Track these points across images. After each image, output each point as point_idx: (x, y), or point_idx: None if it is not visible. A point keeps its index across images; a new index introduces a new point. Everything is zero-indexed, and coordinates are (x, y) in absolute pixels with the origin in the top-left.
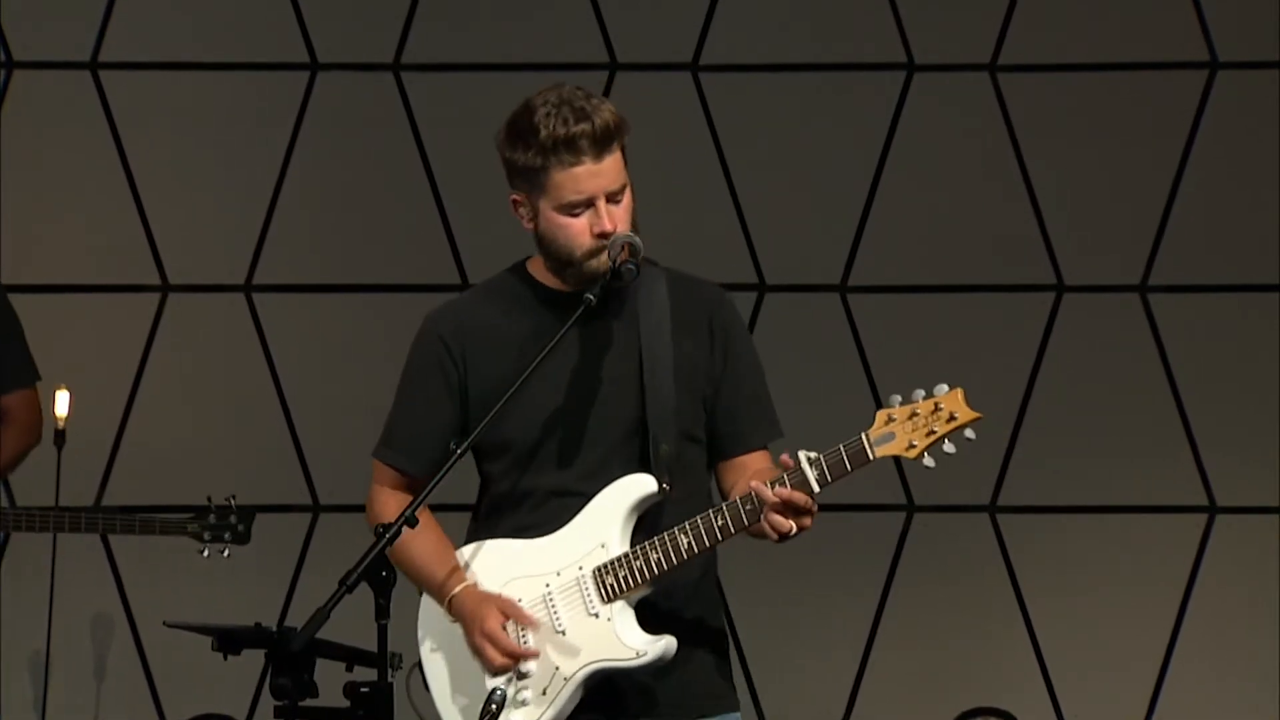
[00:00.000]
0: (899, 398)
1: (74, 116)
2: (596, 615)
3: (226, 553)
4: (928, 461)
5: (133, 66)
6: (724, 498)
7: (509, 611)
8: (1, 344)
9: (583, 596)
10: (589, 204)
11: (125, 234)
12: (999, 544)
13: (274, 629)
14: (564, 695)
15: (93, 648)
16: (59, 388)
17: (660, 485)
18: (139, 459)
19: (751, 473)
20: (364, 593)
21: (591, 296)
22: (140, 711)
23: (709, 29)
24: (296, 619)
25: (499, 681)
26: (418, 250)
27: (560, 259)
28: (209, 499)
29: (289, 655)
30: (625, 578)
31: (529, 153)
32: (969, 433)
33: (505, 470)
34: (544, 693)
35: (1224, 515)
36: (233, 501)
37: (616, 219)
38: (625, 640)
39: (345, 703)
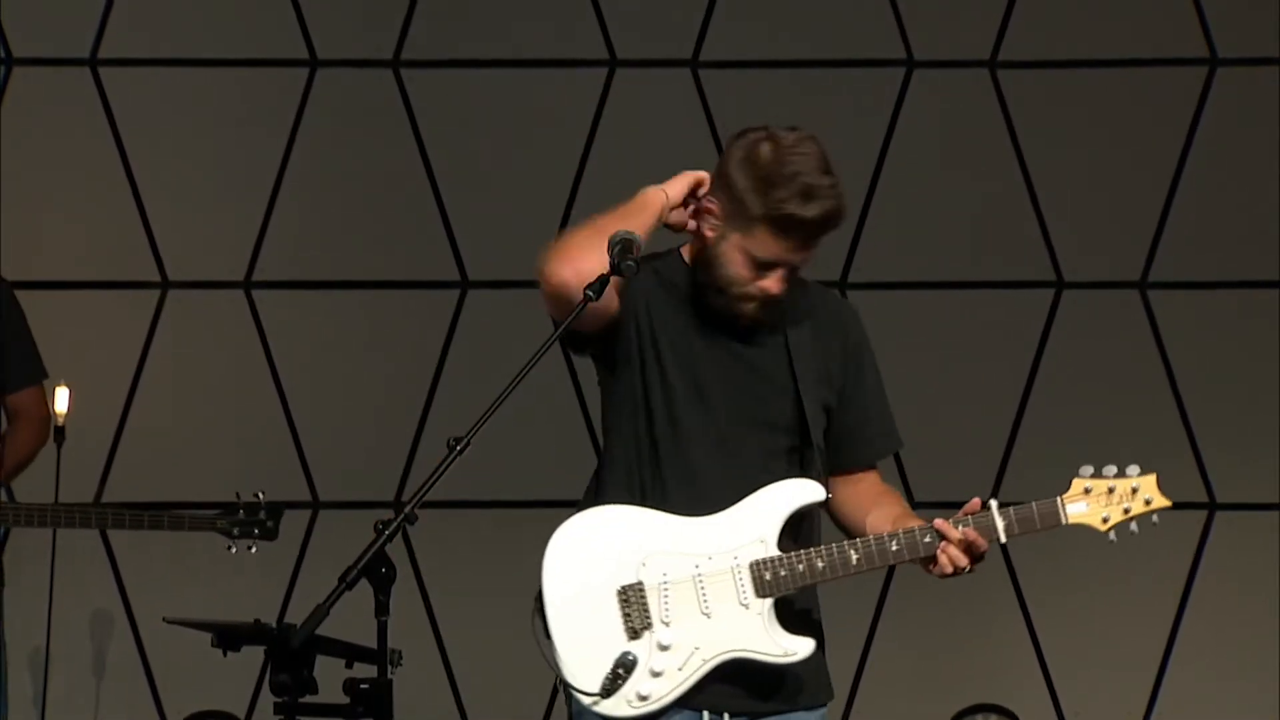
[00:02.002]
0: (1090, 469)
1: (73, 113)
2: (747, 607)
3: (254, 548)
4: (1112, 537)
5: (132, 63)
6: (835, 509)
7: None
8: (10, 341)
9: (735, 586)
10: (770, 265)
11: (125, 230)
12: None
13: (274, 625)
14: (699, 674)
15: (92, 644)
16: (59, 384)
17: (828, 495)
18: (138, 456)
19: (884, 499)
20: (364, 589)
21: (591, 294)
22: (140, 708)
23: (708, 26)
24: (296, 615)
25: (633, 646)
26: (417, 247)
27: (715, 284)
28: (238, 495)
29: (289, 652)
30: (785, 577)
31: (754, 196)
32: (1155, 517)
33: (660, 444)
34: (680, 668)
35: (1224, 512)
36: (261, 497)
37: (780, 286)
38: (776, 639)
39: (345, 699)
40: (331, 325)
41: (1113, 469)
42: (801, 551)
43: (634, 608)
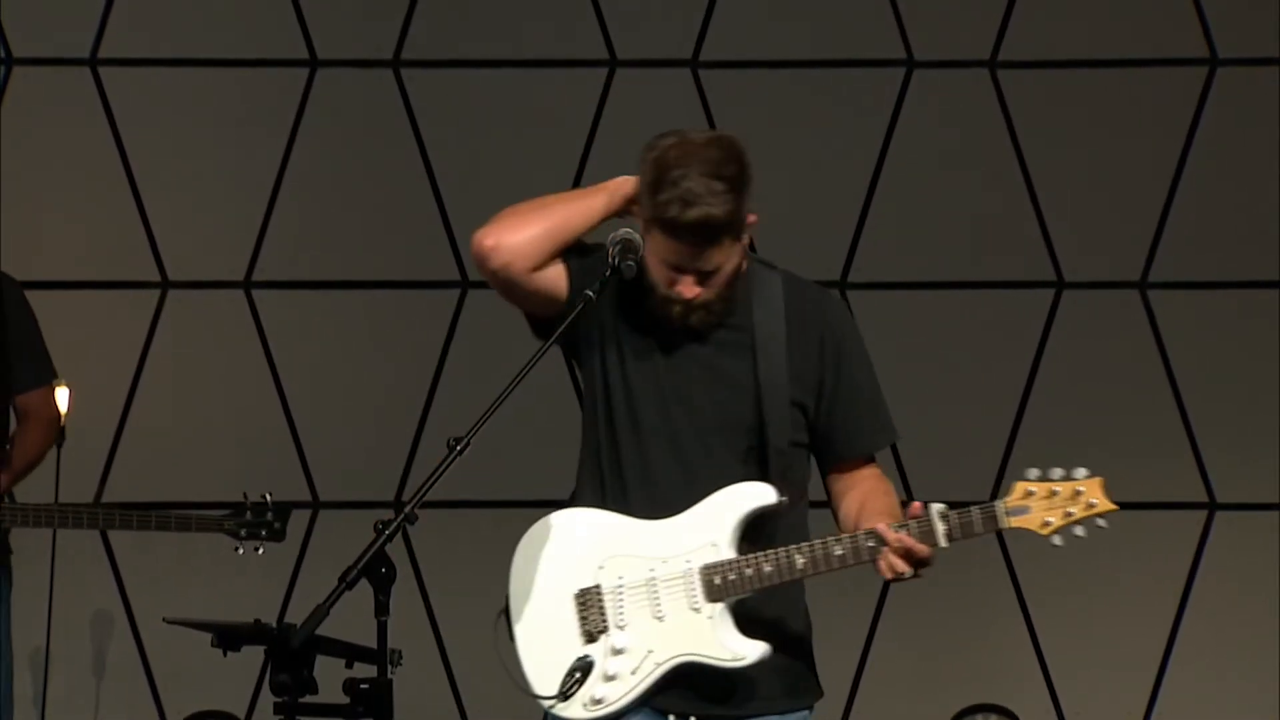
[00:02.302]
0: (1037, 471)
1: (74, 113)
2: (698, 610)
3: (261, 550)
4: (1057, 541)
5: (132, 63)
6: (832, 504)
7: None
8: (20, 342)
9: (687, 590)
10: (676, 269)
11: (125, 230)
12: (998, 540)
13: (274, 625)
14: (652, 678)
15: (92, 644)
16: (58, 384)
17: (780, 498)
18: (138, 456)
19: (862, 489)
20: (364, 589)
21: (591, 294)
22: (140, 708)
23: (708, 25)
24: (296, 615)
25: (590, 649)
26: (417, 247)
27: (648, 286)
28: (245, 495)
29: (289, 652)
30: (734, 581)
31: (647, 198)
32: (1102, 521)
33: (620, 449)
34: (633, 672)
35: (1224, 512)
36: (268, 498)
37: (694, 290)
38: (725, 642)
39: (345, 699)
40: (331, 325)
41: (1059, 472)
42: (751, 555)
43: (591, 611)
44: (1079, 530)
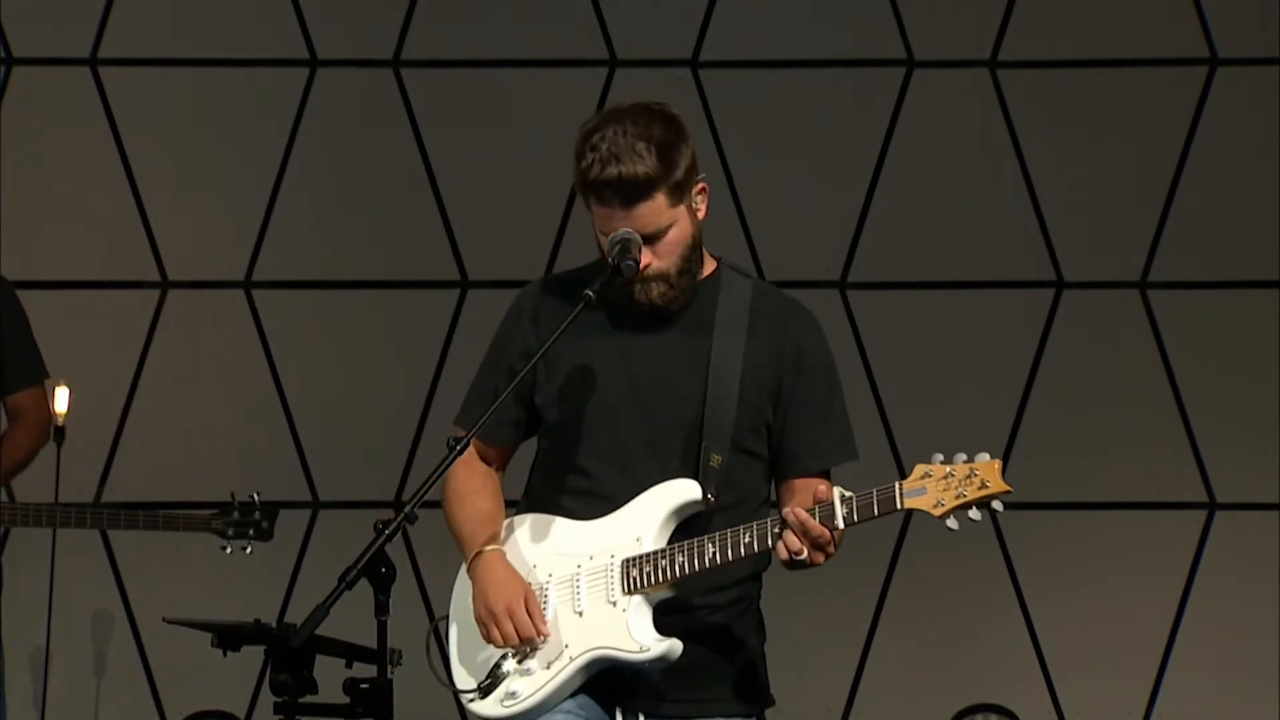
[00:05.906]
0: (940, 456)
1: (74, 113)
2: (614, 604)
3: (249, 549)
4: (951, 524)
5: (132, 63)
6: None
7: (529, 603)
8: (11, 341)
9: (607, 583)
10: None
11: (125, 230)
12: (999, 540)
13: (273, 625)
14: (566, 673)
15: (93, 644)
16: (58, 384)
17: (705, 495)
18: (138, 455)
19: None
20: (364, 589)
21: (591, 293)
22: (140, 708)
23: (708, 25)
24: (296, 615)
25: (510, 648)
26: (417, 247)
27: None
28: (233, 495)
29: (289, 652)
30: (649, 574)
31: (575, 173)
32: (997, 504)
33: (563, 452)
34: (549, 666)
35: (1224, 512)
36: (256, 498)
37: (645, 259)
38: (634, 634)
39: (345, 699)
40: (332, 325)
41: (963, 456)
42: (666, 548)
43: None
44: (974, 514)
